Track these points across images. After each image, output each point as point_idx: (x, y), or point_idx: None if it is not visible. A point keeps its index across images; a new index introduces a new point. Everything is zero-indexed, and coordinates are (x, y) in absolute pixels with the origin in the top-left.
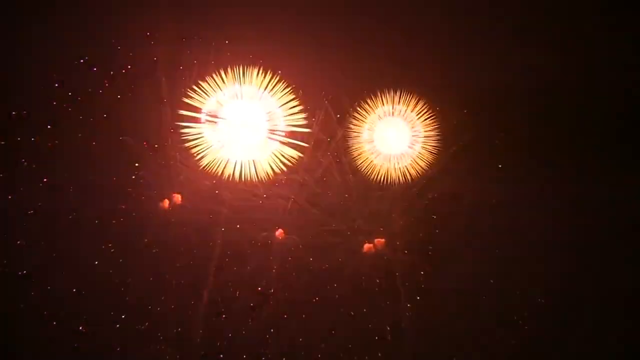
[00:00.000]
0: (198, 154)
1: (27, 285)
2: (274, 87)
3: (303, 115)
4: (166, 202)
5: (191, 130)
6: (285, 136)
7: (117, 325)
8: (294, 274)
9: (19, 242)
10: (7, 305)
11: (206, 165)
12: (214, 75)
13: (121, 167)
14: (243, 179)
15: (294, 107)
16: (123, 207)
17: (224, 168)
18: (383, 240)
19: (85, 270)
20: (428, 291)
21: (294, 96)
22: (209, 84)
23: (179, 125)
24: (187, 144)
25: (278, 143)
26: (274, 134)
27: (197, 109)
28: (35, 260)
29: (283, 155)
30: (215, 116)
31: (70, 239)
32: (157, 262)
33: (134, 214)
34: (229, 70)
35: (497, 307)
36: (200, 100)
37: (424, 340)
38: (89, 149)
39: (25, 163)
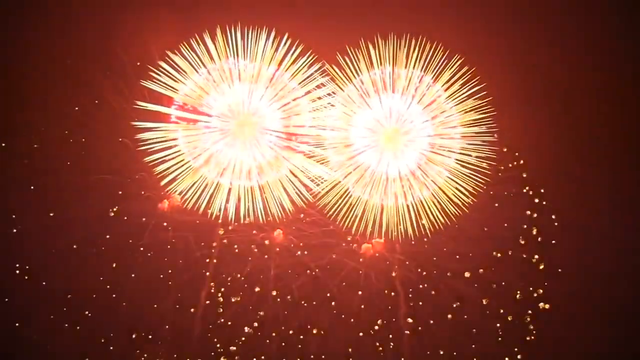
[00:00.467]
0: (165, 178)
1: (22, 287)
2: (293, 60)
3: (339, 109)
4: (165, 203)
5: (153, 137)
6: (314, 144)
7: (114, 329)
8: (295, 275)
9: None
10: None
11: (179, 195)
12: (194, 42)
13: (118, 169)
14: (242, 219)
15: (326, 95)
16: (114, 209)
17: (211, 200)
18: (382, 240)
19: (81, 272)
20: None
21: (325, 76)
22: (184, 57)
23: (136, 127)
24: (147, 159)
25: (301, 156)
26: (292, 140)
27: (165, 100)
28: (29, 262)
29: (309, 177)
30: (195, 111)
31: (65, 241)
32: (153, 264)
33: (129, 216)
34: (217, 33)
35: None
36: (170, 85)
37: (422, 340)
38: (86, 150)
39: (18, 166)
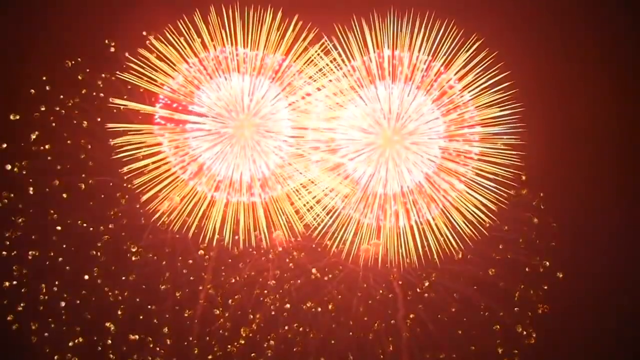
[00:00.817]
0: (146, 192)
1: (20, 290)
2: (304, 46)
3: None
4: (164, 205)
5: (130, 142)
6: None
7: (112, 333)
8: (294, 277)
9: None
10: None
11: (163, 215)
12: (182, 25)
13: (114, 171)
14: (242, 244)
15: (342, 89)
16: (112, 213)
17: (203, 220)
18: (380, 242)
19: (80, 275)
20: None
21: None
22: (171, 43)
23: (109, 130)
24: (124, 169)
25: (314, 166)
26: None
27: (146, 96)
28: (27, 265)
29: (326, 193)
30: (184, 110)
31: (63, 244)
32: (152, 267)
33: (128, 218)
34: (211, 13)
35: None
36: (154, 78)
37: (421, 343)
38: (85, 152)
39: (16, 168)
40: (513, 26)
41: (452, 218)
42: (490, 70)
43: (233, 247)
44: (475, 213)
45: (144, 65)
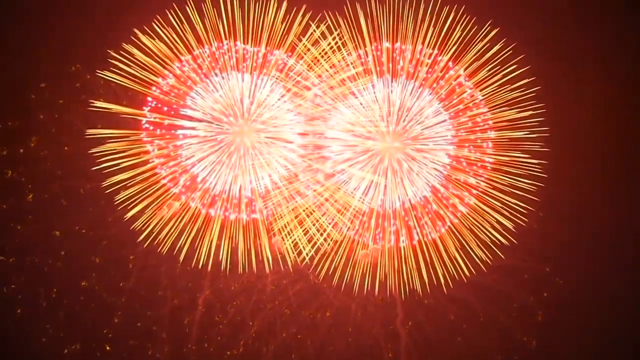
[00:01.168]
0: (130, 208)
1: (17, 296)
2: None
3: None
4: (163, 210)
5: (113, 151)
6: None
7: (110, 339)
8: (292, 283)
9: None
10: None
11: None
12: (174, 18)
13: (112, 175)
14: (241, 269)
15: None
16: (112, 217)
17: (196, 240)
18: (379, 247)
19: (79, 281)
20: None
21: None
22: (160, 38)
23: (88, 135)
24: (105, 184)
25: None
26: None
27: (135, 97)
28: (26, 272)
29: (337, 207)
30: (175, 114)
31: (61, 250)
32: (151, 272)
33: (127, 223)
34: (207, 2)
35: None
36: (141, 77)
37: (420, 348)
38: (84, 158)
39: (15, 174)
40: (534, 13)
41: (462, 238)
42: (507, 65)
43: (232, 251)
44: (489, 232)
45: (130, 63)
